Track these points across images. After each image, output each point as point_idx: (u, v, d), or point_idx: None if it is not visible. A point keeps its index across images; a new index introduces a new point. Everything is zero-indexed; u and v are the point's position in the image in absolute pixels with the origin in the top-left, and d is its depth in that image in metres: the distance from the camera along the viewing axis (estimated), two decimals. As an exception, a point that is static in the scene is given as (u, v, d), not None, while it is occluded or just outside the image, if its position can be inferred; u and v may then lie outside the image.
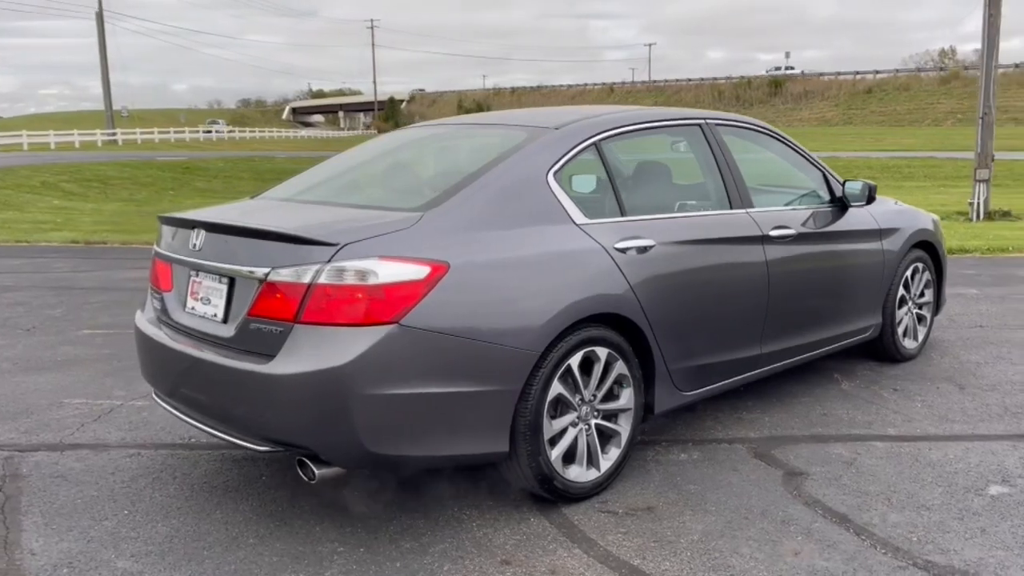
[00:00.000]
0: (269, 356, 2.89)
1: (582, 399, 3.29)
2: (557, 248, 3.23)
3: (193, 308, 3.30)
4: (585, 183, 3.66)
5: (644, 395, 3.52)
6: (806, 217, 4.35)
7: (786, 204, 4.48)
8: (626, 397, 3.44)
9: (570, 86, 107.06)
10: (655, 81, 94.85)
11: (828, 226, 4.48)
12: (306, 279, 2.83)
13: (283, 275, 2.88)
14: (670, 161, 4.17)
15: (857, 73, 72.28)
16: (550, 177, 3.36)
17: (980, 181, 14.15)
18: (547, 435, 3.16)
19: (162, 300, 3.48)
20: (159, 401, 3.55)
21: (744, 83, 77.81)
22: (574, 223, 3.34)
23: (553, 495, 3.24)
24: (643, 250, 3.46)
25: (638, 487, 3.48)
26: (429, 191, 3.28)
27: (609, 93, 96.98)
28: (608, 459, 3.40)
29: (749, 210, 4.05)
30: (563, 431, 3.25)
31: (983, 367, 5.07)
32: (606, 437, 3.42)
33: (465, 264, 2.95)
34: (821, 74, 75.46)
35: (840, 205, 4.63)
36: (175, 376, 3.32)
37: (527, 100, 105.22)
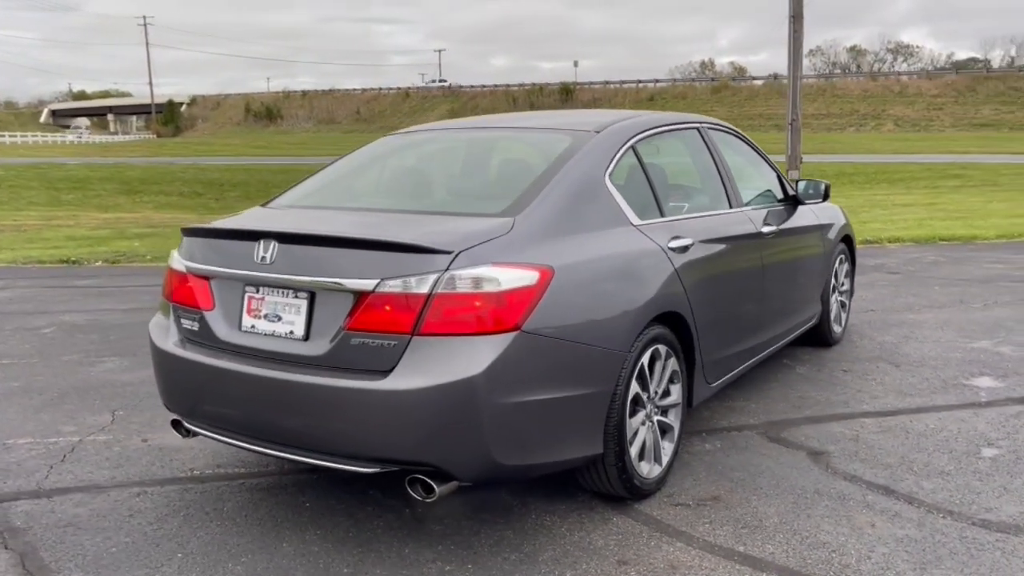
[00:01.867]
0: (381, 372, 2.74)
1: (648, 396, 3.37)
2: (628, 249, 3.29)
3: (253, 326, 3.04)
4: (633, 185, 3.72)
5: (686, 389, 3.66)
6: (777, 215, 4.67)
7: (748, 202, 4.78)
8: (676, 392, 3.56)
9: (364, 90, 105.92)
10: (449, 87, 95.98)
11: (789, 222, 4.83)
12: (424, 289, 2.71)
13: (396, 286, 2.73)
14: (677, 163, 4.34)
15: (639, 82, 77.23)
16: (607, 179, 3.41)
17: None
18: (628, 434, 3.21)
19: (200, 319, 3.17)
20: (196, 429, 3.23)
21: (537, 90, 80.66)
22: (632, 224, 3.41)
23: (631, 493, 3.29)
24: (684, 249, 3.59)
25: (690, 479, 3.60)
26: (501, 196, 3.22)
27: (405, 98, 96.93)
28: (666, 454, 3.50)
29: (743, 208, 4.31)
30: (636, 429, 3.31)
31: (900, 346, 5.67)
32: (662, 432, 3.51)
33: (564, 268, 2.94)
34: (606, 82, 79.77)
35: (793, 202, 5.00)
36: (233, 401, 3.04)
37: (320, 103, 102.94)
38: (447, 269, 2.72)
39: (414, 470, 2.77)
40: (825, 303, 5.43)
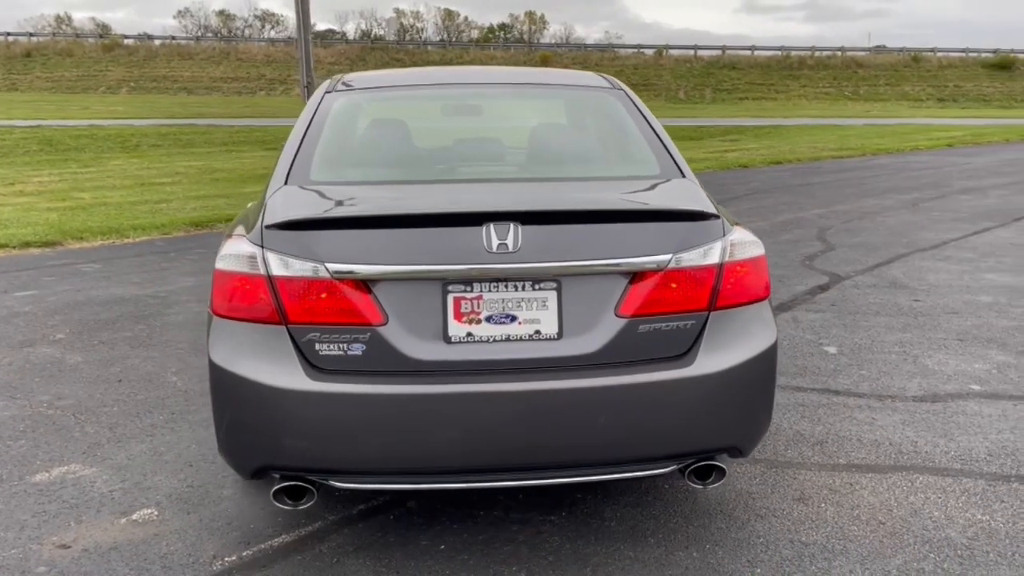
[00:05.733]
0: (675, 358, 2.43)
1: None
2: None
3: (469, 334, 2.35)
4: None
5: None
6: None
7: None
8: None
9: None
10: None
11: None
12: (714, 259, 2.47)
13: (690, 259, 2.43)
14: None
15: (9, 35, 66.56)
16: (663, 137, 3.37)
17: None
18: None
19: (370, 339, 2.32)
20: (349, 485, 2.41)
21: None
22: None
23: None
24: None
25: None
26: (633, 158, 3.00)
27: None
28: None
29: None
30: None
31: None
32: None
33: None
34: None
35: None
36: (446, 433, 2.33)
37: None
38: (724, 235, 2.53)
39: (706, 458, 2.54)
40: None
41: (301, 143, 2.95)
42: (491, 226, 2.34)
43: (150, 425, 3.76)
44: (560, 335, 2.40)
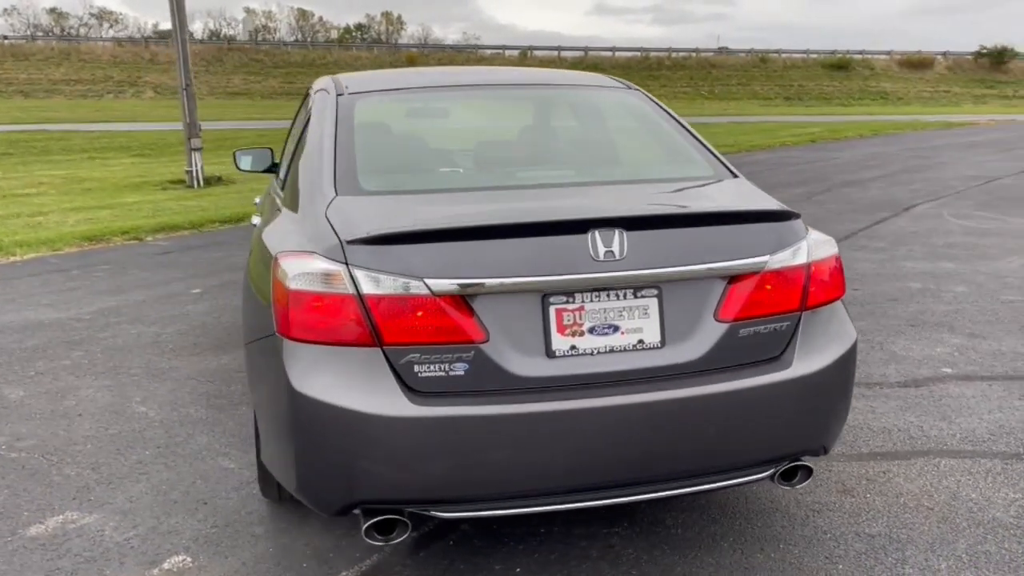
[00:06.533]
0: (771, 360, 2.40)
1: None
2: None
3: (573, 347, 2.24)
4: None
5: None
6: None
7: None
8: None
9: None
10: None
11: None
12: (802, 259, 2.45)
13: (783, 259, 2.40)
14: None
15: None
16: (687, 137, 3.36)
17: (194, 150, 14.91)
18: None
19: (473, 358, 2.16)
20: (451, 514, 2.25)
21: None
22: None
23: None
24: None
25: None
26: (683, 160, 2.95)
27: None
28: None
29: None
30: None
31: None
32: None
33: None
34: None
35: None
36: (554, 452, 2.21)
37: None
38: (807, 234, 2.53)
39: (794, 459, 2.52)
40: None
41: (335, 150, 2.72)
42: (596, 233, 2.23)
43: (138, 462, 3.41)
44: (663, 343, 2.32)
